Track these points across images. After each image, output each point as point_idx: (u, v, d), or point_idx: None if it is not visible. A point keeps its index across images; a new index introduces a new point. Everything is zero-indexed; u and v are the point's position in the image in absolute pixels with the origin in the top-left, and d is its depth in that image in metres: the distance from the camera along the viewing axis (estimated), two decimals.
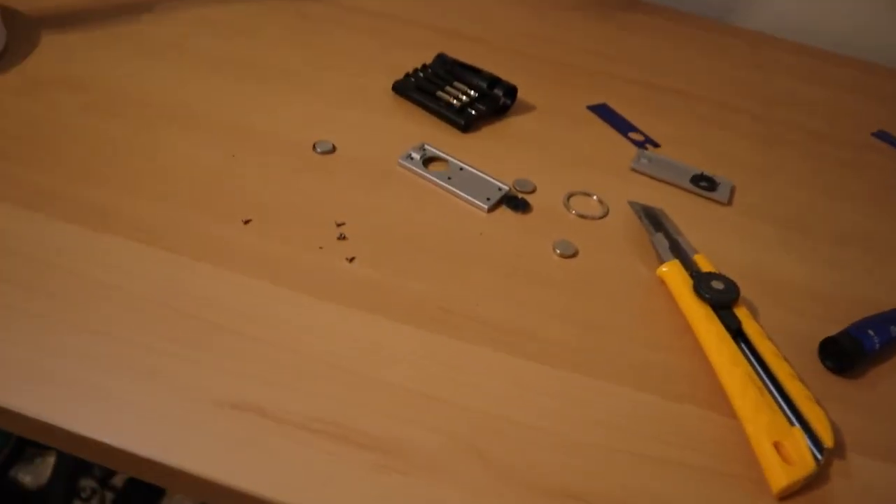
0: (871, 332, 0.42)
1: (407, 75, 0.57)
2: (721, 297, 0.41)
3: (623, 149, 0.56)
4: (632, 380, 0.38)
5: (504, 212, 0.47)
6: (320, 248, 0.42)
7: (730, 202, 0.53)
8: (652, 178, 0.54)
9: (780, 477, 0.33)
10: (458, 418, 0.34)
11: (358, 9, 0.67)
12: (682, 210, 0.51)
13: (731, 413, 0.37)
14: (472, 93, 0.55)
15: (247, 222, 0.42)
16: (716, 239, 0.49)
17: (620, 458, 0.34)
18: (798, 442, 0.35)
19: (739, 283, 0.44)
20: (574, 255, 0.45)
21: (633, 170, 0.54)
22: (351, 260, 0.41)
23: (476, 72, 0.57)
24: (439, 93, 0.55)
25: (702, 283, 0.41)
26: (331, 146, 0.49)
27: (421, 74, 0.57)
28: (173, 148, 0.47)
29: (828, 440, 0.35)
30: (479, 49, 0.65)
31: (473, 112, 0.54)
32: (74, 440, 0.31)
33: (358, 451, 0.32)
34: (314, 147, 0.49)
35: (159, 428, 0.31)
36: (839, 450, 0.37)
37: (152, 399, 0.32)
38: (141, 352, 0.34)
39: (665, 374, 0.39)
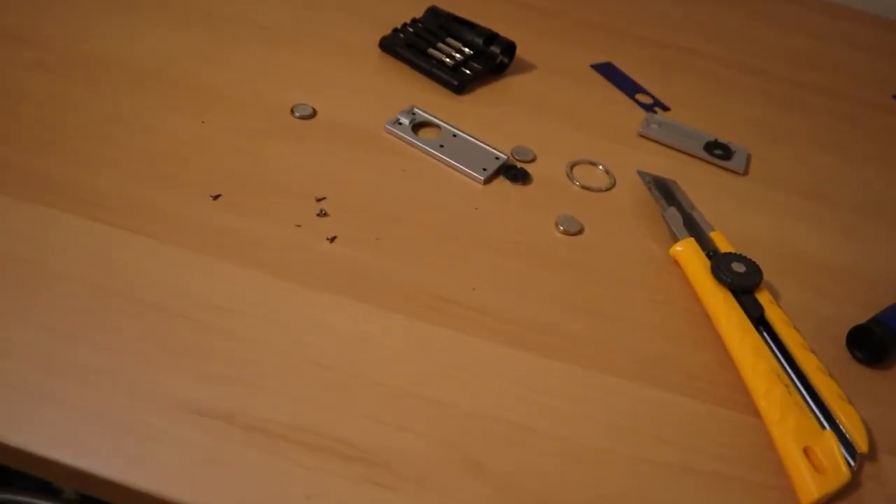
0: None
1: (395, 30, 0.52)
2: (742, 281, 0.37)
3: (631, 112, 0.52)
4: (642, 375, 0.35)
5: (502, 183, 0.43)
6: (298, 225, 0.37)
7: (746, 172, 0.49)
8: (662, 144, 0.50)
9: (810, 489, 0.30)
10: (452, 422, 0.31)
11: None
12: (696, 181, 0.47)
13: (755, 412, 0.34)
14: (466, 50, 0.51)
15: (216, 197, 0.38)
16: (733, 213, 0.45)
17: (630, 465, 0.31)
18: (830, 447, 0.31)
19: (760, 264, 0.40)
20: (579, 232, 0.41)
21: (642, 135, 0.50)
22: (332, 240, 0.37)
23: (471, 27, 0.52)
24: (431, 50, 0.50)
25: (721, 265, 0.37)
26: (311, 110, 0.44)
27: (411, 29, 0.52)
28: (135, 112, 0.42)
29: (862, 444, 0.32)
30: (474, 1, 0.59)
31: (468, 71, 0.49)
32: (12, 453, 0.27)
33: (340, 464, 0.28)
34: (292, 111, 0.44)
35: (111, 439, 0.27)
36: (871, 451, 0.34)
37: (103, 405, 0.28)
38: (89, 350, 0.30)
39: (680, 367, 0.35)
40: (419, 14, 0.54)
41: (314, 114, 0.45)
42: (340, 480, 0.28)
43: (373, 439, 0.29)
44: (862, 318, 0.38)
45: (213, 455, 0.27)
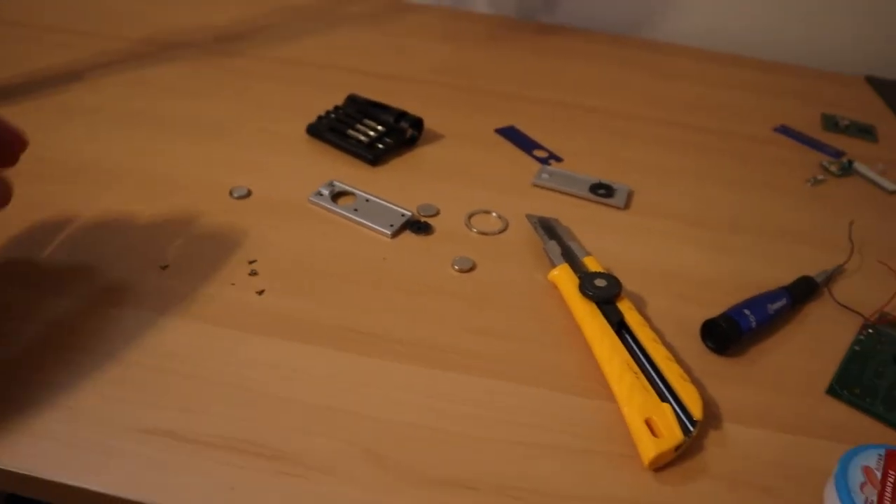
0: (747, 311, 0.45)
1: (320, 117, 0.61)
2: (603, 293, 0.44)
3: (527, 166, 0.60)
4: (525, 378, 0.41)
5: (407, 236, 0.51)
6: (232, 284, 0.45)
7: (627, 206, 0.57)
8: (553, 190, 0.57)
9: (649, 449, 0.37)
10: (360, 427, 0.37)
11: (277, 59, 0.72)
12: (580, 218, 0.55)
13: (612, 398, 0.40)
14: (379, 128, 0.59)
15: (164, 268, 0.45)
16: (611, 241, 0.53)
17: (511, 449, 0.38)
18: (667, 416, 0.38)
19: (631, 278, 0.48)
20: (472, 268, 0.48)
21: (535, 185, 0.58)
22: (261, 293, 0.45)
23: (384, 108, 0.61)
24: (350, 131, 0.59)
25: (585, 283, 0.45)
26: (246, 191, 0.53)
27: (333, 115, 0.61)
28: (92, 203, 0.50)
29: (697, 413, 0.39)
30: (390, 86, 0.69)
31: (381, 146, 0.58)
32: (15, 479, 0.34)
33: (260, 462, 0.35)
34: (231, 193, 0.52)
35: (75, 455, 0.34)
36: (715, 421, 0.41)
37: (72, 433, 0.35)
38: (59, 389, 0.37)
39: (557, 370, 0.42)
40: (341, 102, 0.63)
41: (249, 193, 0.53)
42: (260, 474, 0.35)
43: (289, 443, 0.36)
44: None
45: (156, 462, 0.35)
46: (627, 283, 0.48)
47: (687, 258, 0.52)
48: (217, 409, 0.37)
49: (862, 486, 0.36)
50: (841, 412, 0.42)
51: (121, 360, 0.39)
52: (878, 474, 0.36)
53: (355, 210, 0.51)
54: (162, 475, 0.34)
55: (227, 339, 0.41)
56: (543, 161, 0.61)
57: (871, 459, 0.37)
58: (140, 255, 0.46)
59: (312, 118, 0.61)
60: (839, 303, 0.50)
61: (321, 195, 0.52)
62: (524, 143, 0.63)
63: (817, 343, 0.47)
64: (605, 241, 0.53)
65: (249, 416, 0.37)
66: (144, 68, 0.68)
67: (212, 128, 0.60)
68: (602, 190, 0.57)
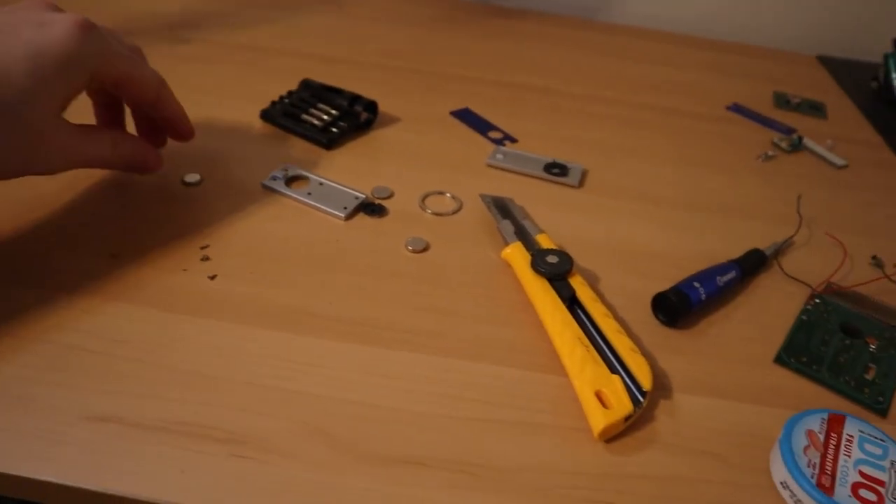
0: (696, 284, 0.46)
1: (273, 103, 0.60)
2: (555, 269, 0.45)
3: (482, 148, 0.61)
4: (477, 355, 0.42)
5: (361, 218, 0.51)
6: (184, 270, 0.45)
7: (581, 184, 0.57)
8: (507, 171, 0.58)
9: (598, 420, 0.37)
10: (307, 407, 0.37)
11: (230, 45, 0.71)
12: (534, 197, 0.55)
13: (564, 373, 0.41)
14: (334, 112, 0.59)
15: (114, 256, 0.45)
16: (565, 219, 0.53)
17: (463, 425, 0.38)
18: (616, 388, 0.39)
19: (585, 255, 0.49)
20: (425, 249, 0.48)
21: (489, 165, 0.58)
22: (213, 277, 0.44)
23: (338, 92, 0.61)
24: (304, 116, 0.59)
25: (537, 259, 0.45)
26: (198, 177, 0.52)
27: (286, 100, 0.61)
28: (37, 189, 0.49)
29: (646, 384, 0.39)
30: (344, 70, 0.69)
31: (336, 130, 0.58)
32: None
33: (210, 444, 0.35)
34: (182, 179, 0.52)
35: (23, 445, 0.34)
36: (666, 392, 0.41)
37: (19, 422, 0.35)
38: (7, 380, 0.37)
39: (508, 346, 0.42)
40: (295, 87, 0.62)
41: (202, 180, 0.52)
42: (209, 456, 0.34)
43: (241, 425, 0.36)
44: None
45: (104, 449, 0.34)
46: (581, 260, 0.49)
47: (640, 234, 0.53)
48: (167, 394, 0.37)
49: (805, 448, 0.37)
50: (788, 380, 0.43)
51: (66, 345, 0.39)
52: (822, 437, 0.37)
53: (309, 194, 0.51)
54: (110, 461, 0.34)
55: (178, 324, 0.41)
56: (498, 142, 0.61)
57: (815, 423, 0.38)
58: (89, 243, 0.46)
59: (266, 104, 0.60)
60: (788, 274, 0.51)
61: (275, 179, 0.52)
62: (479, 124, 0.63)
63: (766, 314, 0.48)
64: (560, 219, 0.53)
65: (200, 400, 0.37)
66: None
67: None
68: (556, 169, 0.58)
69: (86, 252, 0.45)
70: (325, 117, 0.58)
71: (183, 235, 0.47)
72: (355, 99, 0.60)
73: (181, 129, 0.50)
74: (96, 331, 0.40)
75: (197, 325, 0.41)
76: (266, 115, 0.59)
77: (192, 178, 0.52)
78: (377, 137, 0.60)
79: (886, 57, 0.81)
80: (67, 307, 0.41)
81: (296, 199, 0.51)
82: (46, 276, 0.43)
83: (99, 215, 0.48)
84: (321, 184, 0.53)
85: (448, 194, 0.54)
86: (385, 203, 0.52)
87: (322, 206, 0.50)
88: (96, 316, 0.41)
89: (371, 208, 0.51)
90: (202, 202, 0.50)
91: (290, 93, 0.61)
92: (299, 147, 0.57)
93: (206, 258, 0.46)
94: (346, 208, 0.50)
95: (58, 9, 0.43)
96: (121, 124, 0.50)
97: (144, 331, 0.40)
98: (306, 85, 0.62)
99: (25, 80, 0.39)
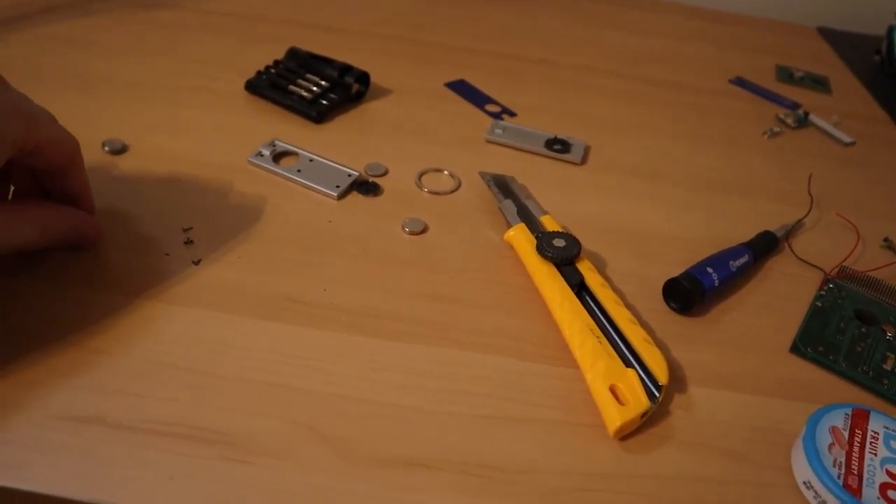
0: (709, 269, 0.44)
1: (259, 73, 0.57)
2: (562, 254, 0.42)
3: (480, 122, 0.58)
4: (478, 345, 0.39)
5: (355, 197, 0.48)
6: (167, 254, 0.42)
7: (584, 161, 0.55)
8: (507, 146, 0.55)
9: (614, 418, 0.35)
10: (301, 404, 0.35)
11: (208, 10, 0.67)
12: (536, 174, 0.52)
13: (575, 365, 0.38)
14: (323, 83, 0.56)
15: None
16: (568, 198, 0.51)
17: (467, 423, 0.35)
18: (632, 382, 0.36)
19: (590, 237, 0.46)
20: (423, 231, 0.46)
21: (488, 141, 0.55)
22: (197, 262, 0.41)
23: (327, 62, 0.57)
24: (291, 87, 0.55)
25: (543, 243, 0.43)
26: (180, 153, 0.49)
27: (273, 70, 0.57)
28: None
29: (662, 378, 0.37)
30: (333, 39, 0.65)
31: (325, 102, 0.55)
32: None
33: (200, 447, 0.32)
34: (162, 154, 0.49)
35: None
36: (680, 385, 0.39)
37: None
38: None
39: (512, 335, 0.40)
40: (282, 56, 0.59)
41: (184, 156, 0.49)
42: (199, 460, 0.32)
43: (229, 425, 0.33)
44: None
45: (87, 453, 0.31)
46: (586, 243, 0.46)
47: (646, 215, 0.50)
48: (152, 391, 0.34)
49: (830, 446, 0.35)
50: (805, 370, 0.41)
51: (39, 338, 0.36)
52: (846, 434, 0.35)
53: (298, 171, 0.48)
54: (93, 467, 0.31)
55: (160, 314, 0.38)
56: (496, 116, 0.58)
57: (839, 419, 0.36)
58: None
59: (251, 73, 0.57)
60: (800, 258, 0.49)
61: (262, 156, 0.49)
62: (476, 97, 0.60)
63: (779, 300, 0.45)
64: (563, 198, 0.50)
65: (187, 398, 0.34)
66: (57, 23, 0.62)
67: (139, 86, 0.56)
68: (558, 145, 0.55)
69: None
70: (315, 89, 0.55)
71: (164, 216, 0.44)
72: (346, 69, 0.56)
73: (86, 202, 0.40)
74: (72, 322, 0.37)
75: (180, 315, 0.38)
76: (251, 87, 0.56)
77: (174, 153, 0.49)
78: (369, 110, 0.57)
79: (891, 29, 0.79)
80: (38, 295, 0.38)
81: (285, 177, 0.48)
82: (24, 266, 0.40)
83: None
84: (311, 160, 0.49)
85: (445, 171, 0.51)
86: (379, 181, 0.49)
87: (313, 185, 0.47)
88: (70, 304, 0.38)
89: (365, 187, 0.48)
90: (185, 180, 0.47)
91: (276, 62, 0.58)
92: (287, 120, 0.54)
93: (189, 241, 0.43)
94: (338, 187, 0.47)
95: None
96: (42, 192, 0.40)
97: (124, 322, 0.37)
98: (294, 54, 0.58)
99: None
